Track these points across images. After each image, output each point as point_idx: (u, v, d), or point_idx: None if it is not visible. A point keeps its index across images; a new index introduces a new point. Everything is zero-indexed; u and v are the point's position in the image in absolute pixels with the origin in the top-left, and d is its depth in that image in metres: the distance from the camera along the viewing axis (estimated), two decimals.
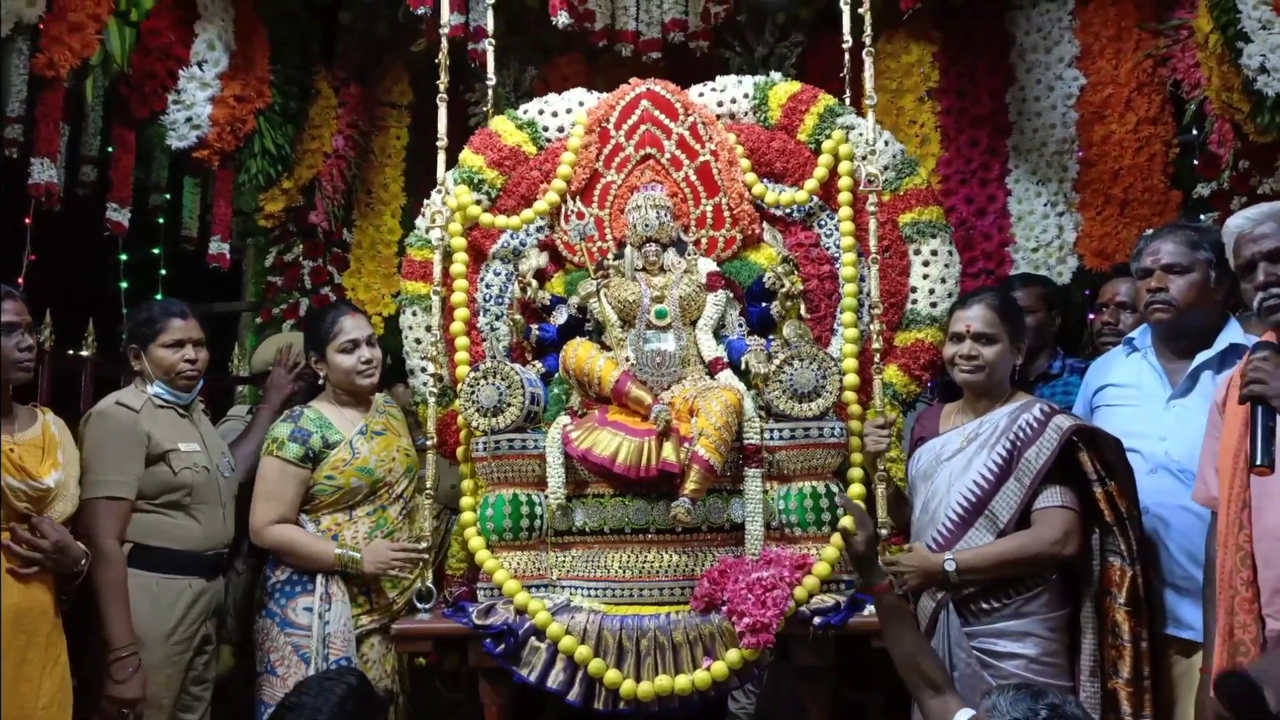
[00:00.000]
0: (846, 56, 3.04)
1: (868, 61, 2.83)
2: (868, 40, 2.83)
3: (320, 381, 2.95)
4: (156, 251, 4.94)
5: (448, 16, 3.01)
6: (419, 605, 2.65)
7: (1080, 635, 2.37)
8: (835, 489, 2.60)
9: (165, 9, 3.52)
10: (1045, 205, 4.11)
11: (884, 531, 2.61)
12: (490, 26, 3.41)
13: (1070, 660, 2.37)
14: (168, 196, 4.53)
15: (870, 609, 2.49)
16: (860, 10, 2.87)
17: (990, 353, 2.48)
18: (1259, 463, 1.51)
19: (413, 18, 3.92)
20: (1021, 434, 2.40)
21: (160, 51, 3.56)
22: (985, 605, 2.34)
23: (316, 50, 4.44)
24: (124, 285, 4.89)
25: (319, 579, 2.72)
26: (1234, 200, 3.63)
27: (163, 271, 4.91)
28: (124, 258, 4.88)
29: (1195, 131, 3.86)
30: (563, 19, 3.51)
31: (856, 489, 2.65)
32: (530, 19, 4.38)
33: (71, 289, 4.28)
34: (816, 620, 2.44)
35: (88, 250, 4.65)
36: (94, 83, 3.30)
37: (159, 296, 4.46)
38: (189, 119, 3.70)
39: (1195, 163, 3.85)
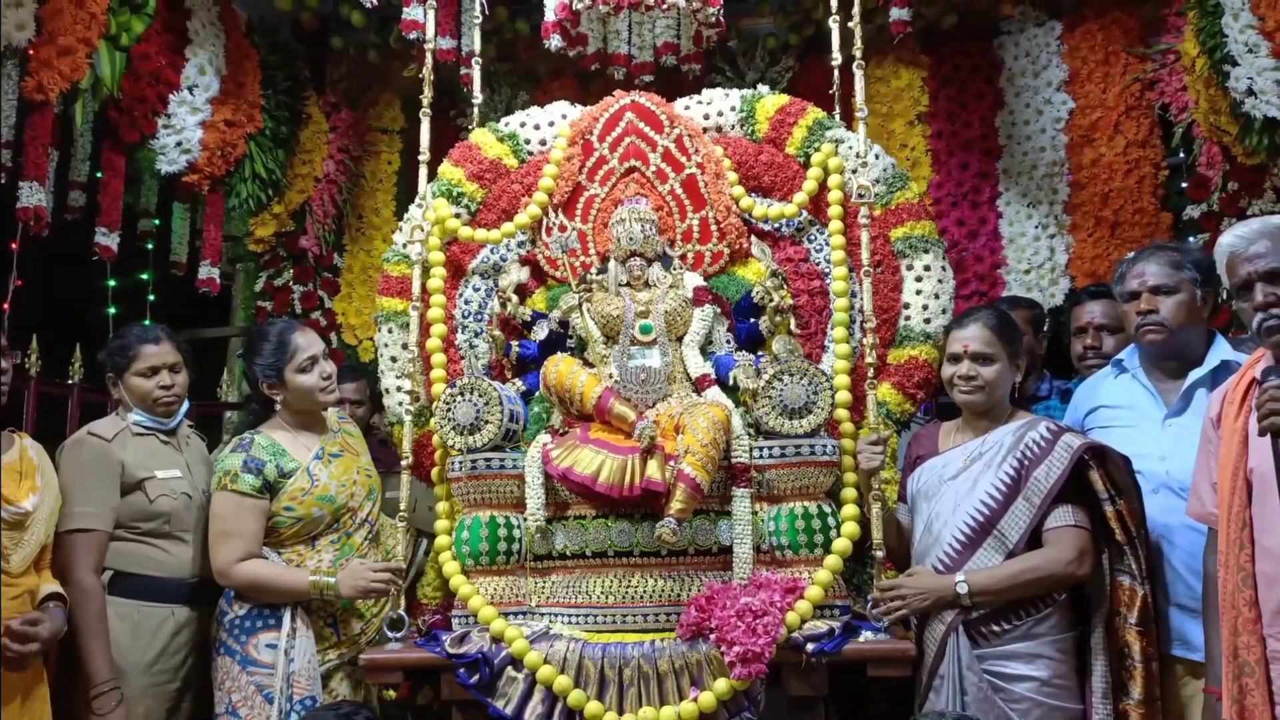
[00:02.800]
0: (836, 73, 2.88)
1: (858, 74, 2.69)
2: (858, 53, 2.70)
3: (279, 405, 2.66)
4: (145, 277, 4.74)
5: (433, 30, 2.89)
6: (390, 634, 2.42)
7: (1091, 657, 2.26)
8: (828, 509, 2.39)
9: (156, 33, 3.43)
10: (1036, 227, 4.08)
11: (879, 554, 2.40)
12: (478, 45, 3.30)
13: (1081, 682, 2.26)
14: (157, 222, 4.41)
15: (867, 634, 2.28)
16: (850, 24, 2.74)
17: (989, 372, 2.37)
18: None
19: (404, 43, 3.89)
20: (1029, 452, 2.29)
21: (151, 76, 3.47)
22: (995, 628, 2.23)
23: (307, 75, 4.37)
24: (112, 311, 4.65)
25: (284, 613, 2.48)
26: (1224, 221, 3.63)
27: (151, 297, 4.67)
28: (112, 283, 4.66)
29: (1184, 154, 3.82)
30: (555, 42, 3.38)
31: (850, 509, 2.43)
32: (521, 45, 4.39)
33: (59, 315, 4.15)
34: (810, 647, 2.22)
35: (76, 275, 4.50)
36: (83, 106, 3.20)
37: (147, 322, 4.31)
38: (179, 143, 3.62)
39: (1184, 185, 3.83)
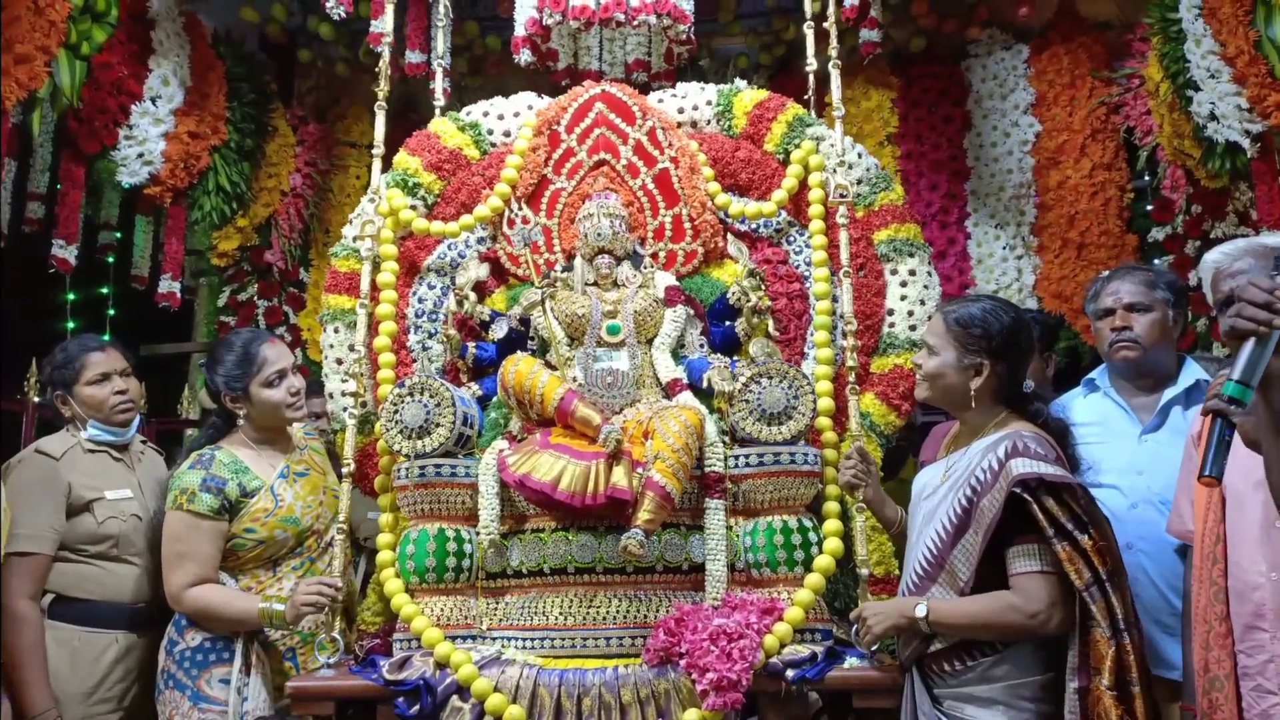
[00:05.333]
0: (811, 78, 2.66)
1: (834, 73, 2.46)
2: (833, 52, 2.47)
3: (242, 420, 2.37)
4: (105, 291, 4.48)
5: (390, 25, 2.60)
6: (320, 659, 2.05)
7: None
8: (809, 524, 2.07)
9: (118, 43, 3.23)
10: (1004, 248, 3.94)
11: (863, 572, 2.06)
12: (441, 46, 3.02)
13: None
14: (119, 235, 4.16)
15: (851, 660, 1.92)
16: (825, 25, 2.53)
17: (929, 365, 1.99)
18: (1207, 473, 1.35)
19: (373, 57, 3.68)
20: (980, 479, 1.88)
21: (112, 86, 3.27)
22: (948, 667, 1.86)
23: (274, 88, 4.15)
24: (70, 325, 4.48)
25: (238, 645, 2.20)
26: (1188, 244, 3.56)
27: (111, 311, 4.43)
28: (71, 297, 4.45)
29: (1148, 177, 3.74)
30: (525, 57, 3.15)
31: (833, 524, 2.11)
32: (491, 61, 4.24)
33: (15, 329, 3.86)
34: (790, 673, 1.90)
35: (33, 289, 4.18)
36: (41, 116, 2.98)
37: (106, 337, 3.99)
38: (141, 154, 3.40)
39: (1149, 207, 3.74)
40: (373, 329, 2.37)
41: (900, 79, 4.05)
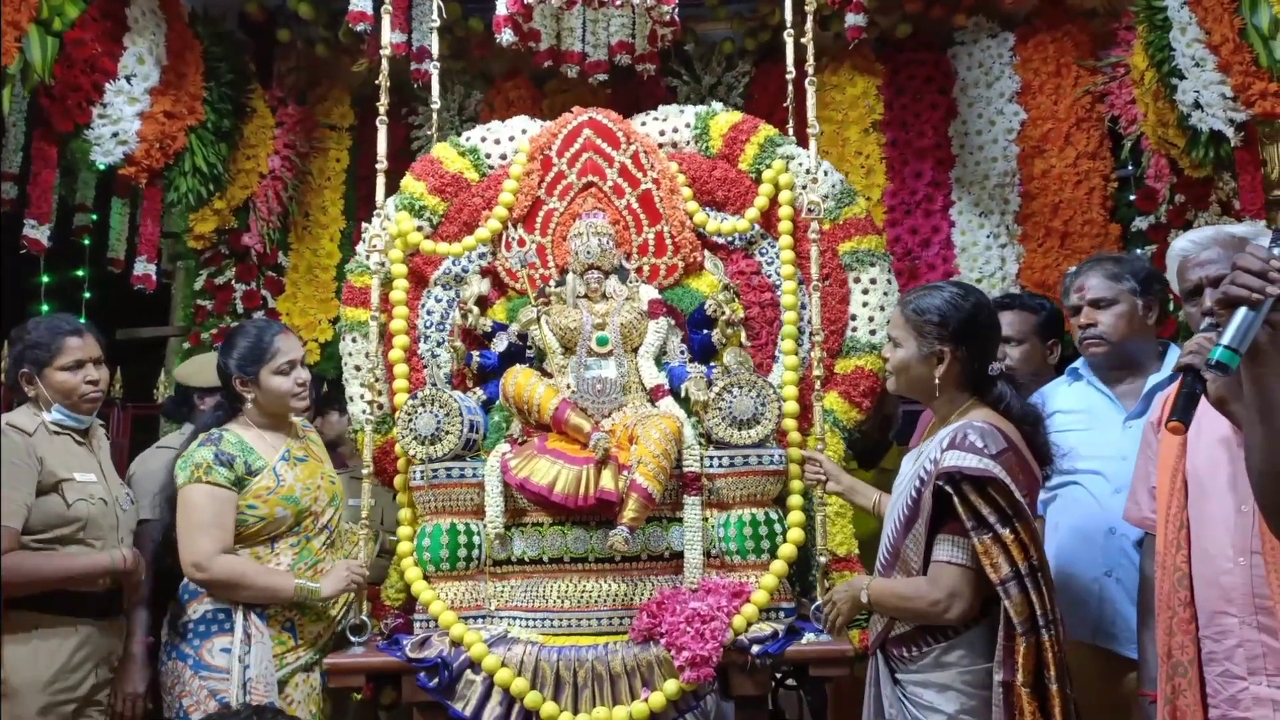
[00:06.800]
0: (790, 87, 3.14)
1: (810, 90, 2.95)
2: (810, 69, 2.96)
3: (250, 404, 2.76)
4: (80, 273, 4.88)
5: (388, 36, 3.04)
6: (352, 639, 2.67)
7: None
8: (775, 516, 2.68)
9: (92, 19, 3.49)
10: (988, 237, 4.33)
11: (823, 558, 2.70)
12: (435, 49, 3.48)
13: None
14: (94, 216, 4.52)
15: (809, 636, 2.57)
16: (804, 40, 2.99)
17: (894, 357, 2.33)
18: (1176, 418, 1.50)
19: (353, 37, 3.95)
20: (926, 469, 2.18)
21: (85, 63, 3.52)
22: (906, 653, 2.21)
23: (253, 69, 4.47)
24: (45, 309, 4.81)
25: (238, 616, 2.57)
26: (1171, 233, 3.81)
27: (86, 295, 4.85)
28: (46, 280, 4.84)
29: (1132, 166, 4.06)
30: (507, 36, 3.53)
31: (795, 516, 2.73)
32: (475, 43, 4.52)
33: None
34: (755, 649, 2.50)
35: (6, 272, 4.56)
36: (11, 93, 3.24)
37: (83, 318, 4.36)
38: (115, 134, 3.69)
39: (1133, 197, 4.07)
40: (387, 341, 2.95)
41: (886, 66, 4.46)
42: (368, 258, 2.92)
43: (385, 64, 3.01)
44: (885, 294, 3.01)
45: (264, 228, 4.47)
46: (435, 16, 3.52)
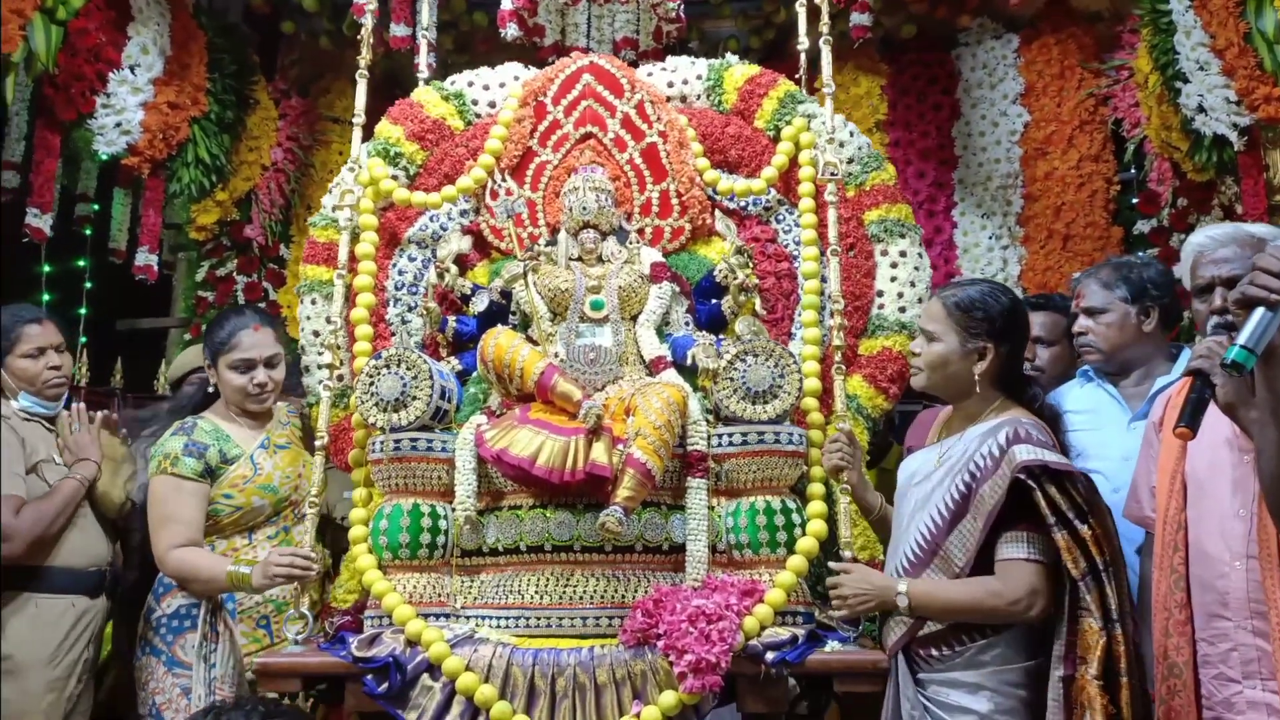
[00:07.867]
0: (802, 56, 2.58)
1: (825, 49, 2.39)
2: (824, 28, 2.40)
3: (211, 389, 2.43)
4: (82, 263, 4.39)
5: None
6: (289, 635, 1.97)
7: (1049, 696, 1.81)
8: (792, 505, 2.01)
9: (96, 8, 3.15)
10: (990, 238, 3.93)
11: (846, 554, 2.00)
12: (426, 18, 2.96)
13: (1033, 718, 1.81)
14: (96, 206, 4.08)
15: (833, 644, 1.87)
16: (816, 1, 2.44)
17: (930, 352, 1.94)
18: (1184, 424, 1.38)
19: (358, 29, 3.46)
20: (980, 464, 1.86)
21: (89, 52, 3.18)
22: (936, 653, 1.83)
23: (257, 60, 4.06)
24: (46, 298, 4.31)
25: (202, 611, 2.22)
26: (1173, 237, 3.55)
27: (88, 284, 4.36)
28: (46, 269, 4.30)
29: (1135, 169, 3.72)
30: (512, 31, 3.09)
31: (816, 506, 2.06)
32: (479, 38, 4.14)
33: None
34: (770, 656, 1.83)
35: (8, 261, 4.06)
36: (15, 81, 2.91)
37: (85, 308, 3.93)
38: (118, 124, 3.33)
39: (1135, 200, 3.72)
40: (350, 301, 2.29)
41: (890, 66, 4.01)
42: (334, 210, 2.23)
43: (369, 20, 2.53)
44: (916, 269, 2.39)
45: (266, 220, 4.03)
46: None
